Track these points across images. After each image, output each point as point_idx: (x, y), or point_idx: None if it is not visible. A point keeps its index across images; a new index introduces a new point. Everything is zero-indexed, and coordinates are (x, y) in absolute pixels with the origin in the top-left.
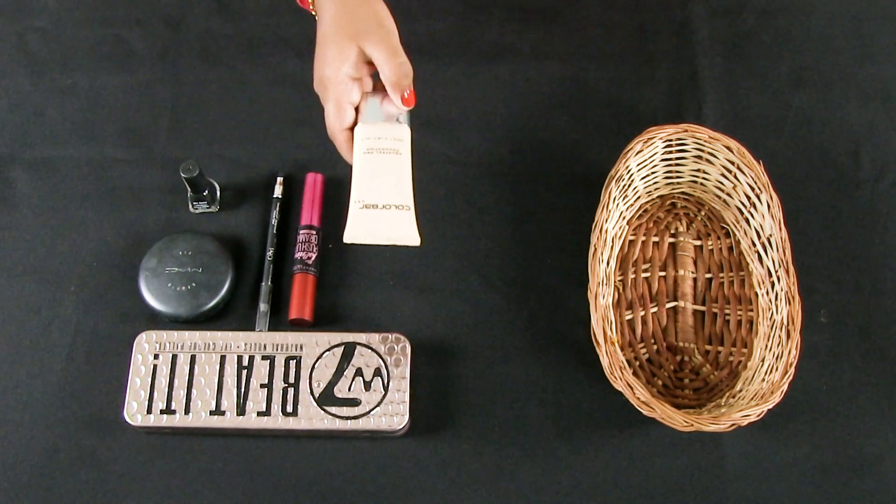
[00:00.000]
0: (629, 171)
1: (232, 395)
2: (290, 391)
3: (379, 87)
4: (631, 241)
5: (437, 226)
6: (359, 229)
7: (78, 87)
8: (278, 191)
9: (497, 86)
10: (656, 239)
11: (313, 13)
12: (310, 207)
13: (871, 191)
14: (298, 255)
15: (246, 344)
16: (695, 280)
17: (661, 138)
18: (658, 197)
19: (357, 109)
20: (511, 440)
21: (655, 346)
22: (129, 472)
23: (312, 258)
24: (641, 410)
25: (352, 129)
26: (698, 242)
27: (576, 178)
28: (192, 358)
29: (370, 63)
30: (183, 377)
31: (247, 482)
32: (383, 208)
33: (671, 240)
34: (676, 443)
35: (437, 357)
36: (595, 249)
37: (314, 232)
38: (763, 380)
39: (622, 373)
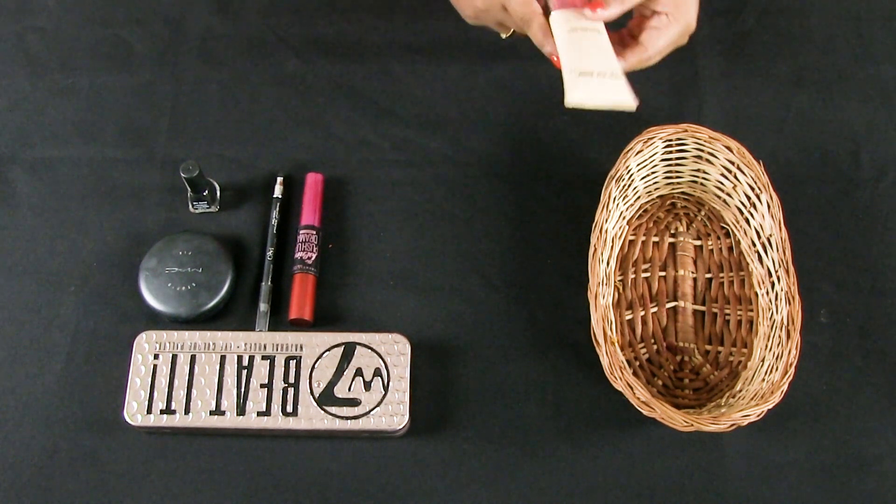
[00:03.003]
0: (629, 171)
1: (232, 395)
2: (290, 391)
3: None
4: (631, 241)
5: (437, 226)
6: (577, 93)
7: (78, 87)
8: (278, 191)
9: (497, 86)
10: (656, 239)
11: None
12: (310, 207)
13: (871, 191)
14: (298, 255)
15: (246, 344)
16: (695, 280)
17: (661, 138)
18: (658, 197)
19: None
20: (511, 440)
21: (655, 346)
22: (129, 472)
23: (312, 258)
24: (641, 410)
25: (545, 16)
26: (698, 242)
27: (576, 178)
28: (192, 358)
29: None
30: (183, 377)
31: (247, 482)
32: (598, 75)
33: (671, 240)
34: (676, 443)
35: (437, 357)
36: (595, 249)
37: (314, 232)
38: (763, 380)
39: (622, 373)
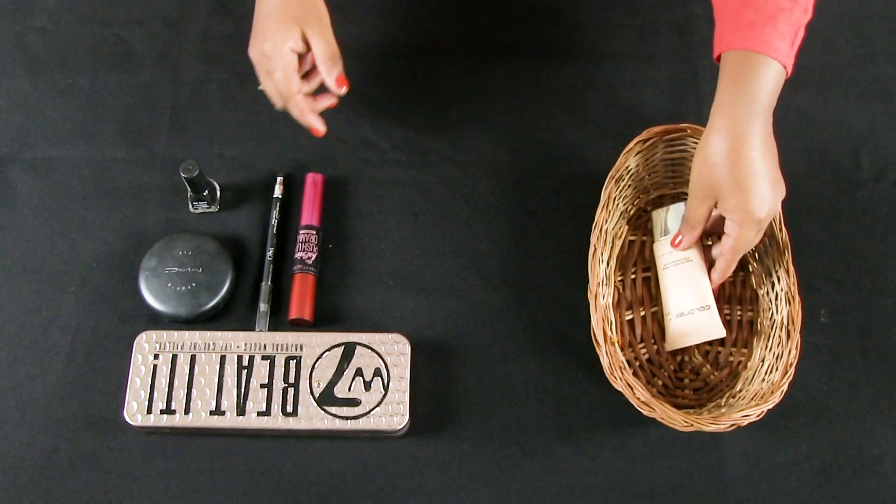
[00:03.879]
0: (629, 170)
1: (232, 395)
2: (290, 391)
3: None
4: (631, 242)
5: (438, 226)
6: (678, 338)
7: (78, 87)
8: (278, 191)
9: (497, 86)
10: None
11: None
12: (310, 207)
13: (871, 191)
14: (298, 255)
15: (246, 344)
16: None
17: (661, 138)
18: (658, 197)
19: None
20: (511, 440)
21: (655, 347)
22: (129, 472)
23: (312, 258)
24: (641, 411)
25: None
26: None
27: (576, 178)
28: (192, 358)
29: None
30: (183, 377)
31: (247, 482)
32: (689, 314)
33: None
34: (676, 443)
35: (437, 357)
36: (595, 249)
37: (314, 232)
38: (763, 380)
39: (622, 373)
